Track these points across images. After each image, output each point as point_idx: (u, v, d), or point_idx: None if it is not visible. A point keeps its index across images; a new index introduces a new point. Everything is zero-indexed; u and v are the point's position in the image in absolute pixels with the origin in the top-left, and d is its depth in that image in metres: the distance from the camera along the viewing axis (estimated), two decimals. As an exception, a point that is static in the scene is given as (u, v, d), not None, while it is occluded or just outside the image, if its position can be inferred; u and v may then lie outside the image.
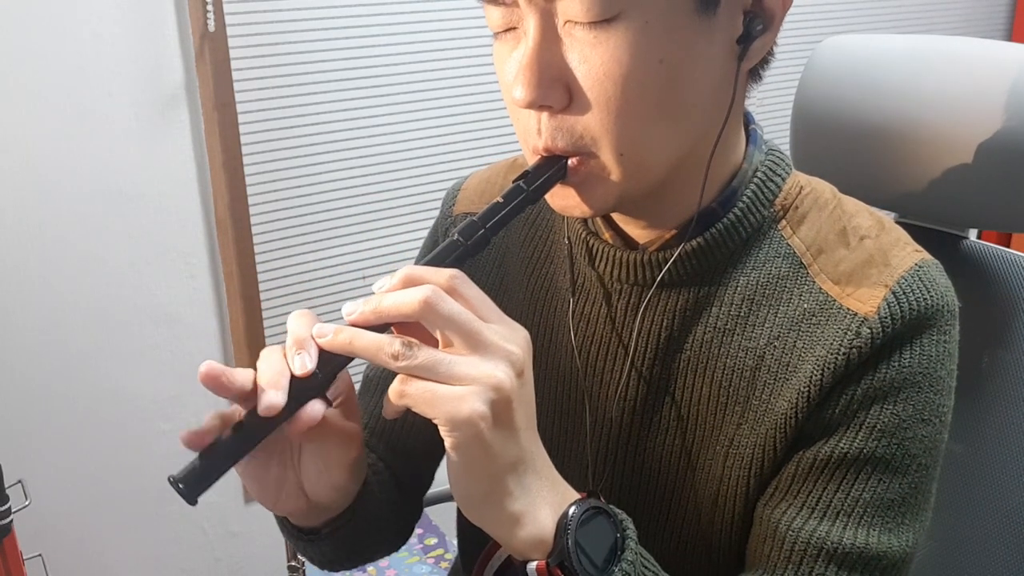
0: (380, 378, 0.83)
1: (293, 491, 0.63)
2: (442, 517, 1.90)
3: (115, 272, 1.65)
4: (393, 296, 0.54)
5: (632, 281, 0.70)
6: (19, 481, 1.34)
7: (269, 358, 0.56)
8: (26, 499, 1.31)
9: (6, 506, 1.24)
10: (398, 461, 0.80)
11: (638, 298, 0.71)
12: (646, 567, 0.59)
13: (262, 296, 1.78)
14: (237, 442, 0.54)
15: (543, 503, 0.57)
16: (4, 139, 1.51)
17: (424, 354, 0.52)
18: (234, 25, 1.62)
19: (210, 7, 1.58)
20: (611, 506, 0.59)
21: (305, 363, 0.54)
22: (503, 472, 0.55)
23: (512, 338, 0.55)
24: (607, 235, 0.72)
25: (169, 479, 0.52)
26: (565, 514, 0.57)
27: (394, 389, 0.53)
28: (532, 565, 0.56)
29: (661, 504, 0.71)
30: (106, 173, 1.60)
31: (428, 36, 1.80)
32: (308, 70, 1.71)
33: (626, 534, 0.58)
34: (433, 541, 1.89)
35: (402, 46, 1.79)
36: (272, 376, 0.54)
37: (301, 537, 0.71)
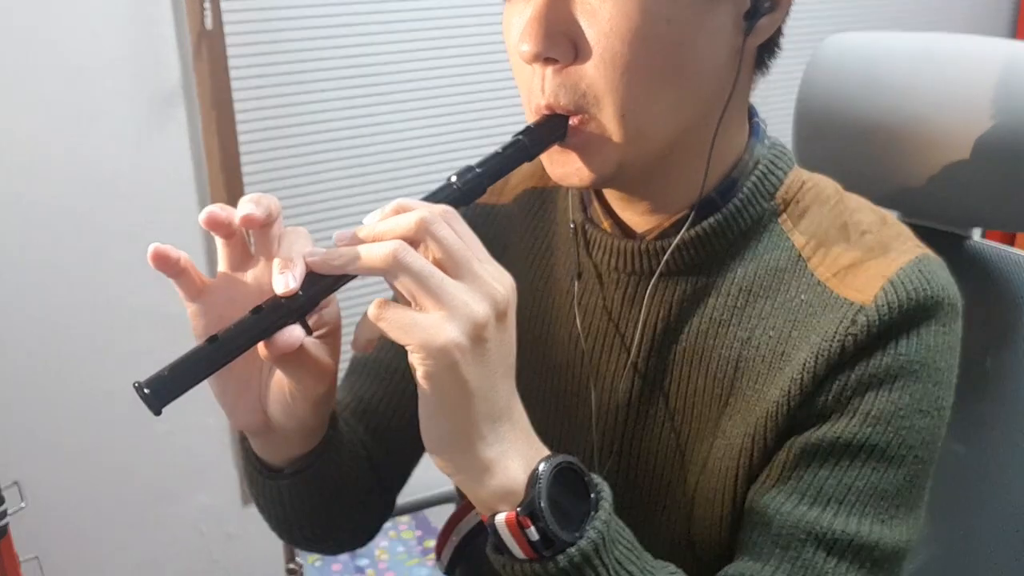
0: (368, 359, 0.82)
1: (252, 406, 0.61)
2: (442, 518, 1.89)
3: (114, 272, 1.65)
4: (387, 221, 0.53)
5: (629, 270, 0.70)
6: (15, 483, 1.33)
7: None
8: (22, 501, 1.30)
9: (2, 508, 1.23)
10: (377, 447, 0.79)
11: (635, 288, 0.70)
12: (620, 532, 0.57)
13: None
14: (209, 355, 0.52)
15: (516, 454, 0.55)
16: (1, 137, 1.50)
17: (420, 261, 0.51)
18: (231, 23, 1.62)
19: (207, 5, 1.57)
20: (585, 469, 0.58)
21: (288, 282, 0.52)
22: (477, 414, 0.53)
23: (499, 278, 0.54)
24: (606, 224, 0.72)
25: (134, 385, 0.50)
26: (537, 467, 0.55)
27: (371, 311, 0.52)
28: (500, 517, 0.55)
29: (656, 494, 0.71)
30: (103, 172, 1.60)
31: (427, 34, 1.80)
32: (305, 68, 1.71)
33: (600, 495, 0.57)
34: (433, 543, 1.88)
35: (401, 44, 1.79)
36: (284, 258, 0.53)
37: (263, 472, 0.69)
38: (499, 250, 0.80)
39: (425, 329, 0.50)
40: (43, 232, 1.58)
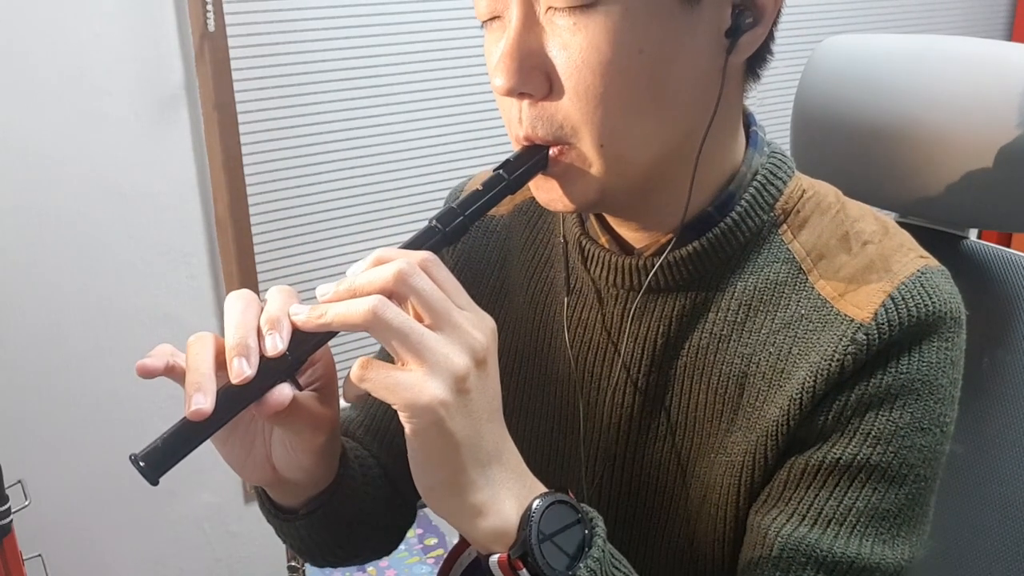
0: None
1: (260, 463, 0.62)
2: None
3: (115, 272, 1.65)
4: (366, 274, 0.53)
5: (627, 286, 0.69)
6: (19, 481, 1.34)
7: (237, 317, 0.54)
8: (26, 499, 1.31)
9: (6, 506, 1.23)
10: (391, 461, 0.79)
11: (633, 303, 0.69)
12: (615, 566, 0.57)
13: (262, 296, 1.78)
14: (201, 423, 0.52)
15: (508, 495, 0.55)
16: (4, 138, 1.51)
17: (400, 317, 0.51)
18: (234, 25, 1.62)
19: (210, 7, 1.58)
20: (581, 504, 0.58)
21: (276, 344, 0.53)
22: (466, 462, 0.53)
23: (478, 325, 0.54)
24: (603, 239, 0.71)
25: (131, 457, 0.50)
26: (529, 506, 0.55)
27: (354, 372, 0.52)
28: (494, 559, 0.55)
29: (656, 512, 0.70)
30: (106, 173, 1.60)
31: (428, 36, 1.81)
32: (308, 70, 1.71)
33: (594, 531, 0.56)
34: (433, 541, 1.89)
35: (402, 46, 1.79)
36: (240, 344, 0.53)
37: (277, 515, 0.70)
38: (498, 261, 0.80)
39: (408, 388, 0.50)
40: (46, 233, 1.58)
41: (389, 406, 0.80)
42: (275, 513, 0.70)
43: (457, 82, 1.86)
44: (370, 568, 1.80)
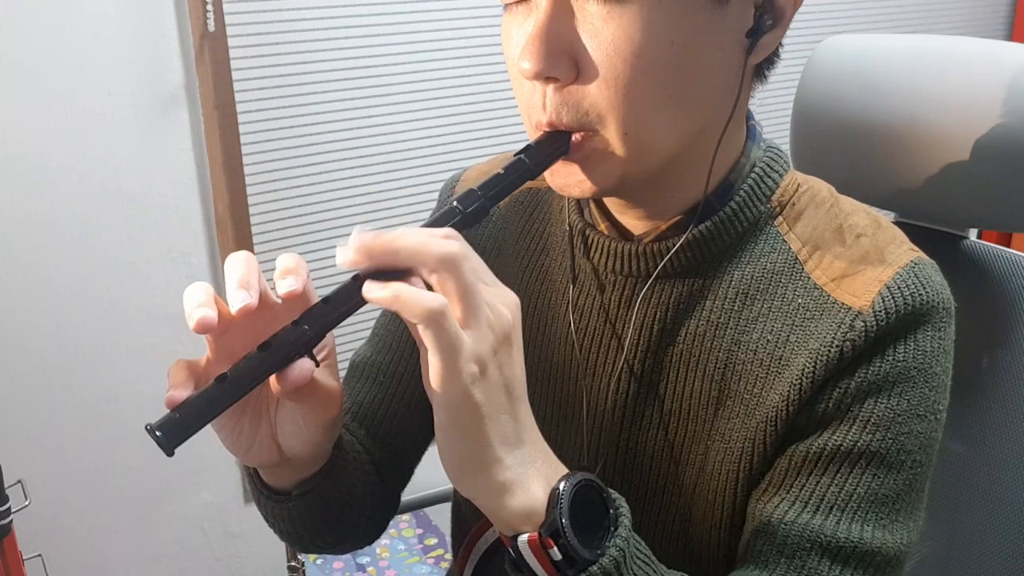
0: (367, 363, 0.83)
1: (266, 443, 0.62)
2: (442, 517, 1.90)
3: (115, 272, 1.65)
4: (414, 237, 0.52)
5: (626, 272, 0.70)
6: (19, 481, 1.34)
7: (241, 268, 0.55)
8: (26, 499, 1.31)
9: (6, 506, 1.24)
10: (378, 449, 0.80)
11: (632, 290, 0.71)
12: (638, 548, 0.58)
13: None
14: (219, 394, 0.52)
15: (536, 474, 0.56)
16: (4, 139, 1.51)
17: (450, 331, 0.51)
18: (234, 25, 1.62)
19: (210, 7, 1.58)
20: (603, 485, 0.59)
21: (291, 284, 0.53)
22: (492, 437, 0.54)
23: (504, 300, 0.55)
24: (603, 226, 0.72)
25: (147, 427, 0.50)
26: (557, 487, 0.56)
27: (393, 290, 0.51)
28: (523, 538, 0.55)
29: (652, 498, 0.71)
30: (106, 173, 1.60)
31: (428, 36, 1.81)
32: (308, 70, 1.71)
33: (619, 511, 0.58)
34: (433, 541, 1.89)
35: (402, 46, 1.79)
36: (244, 280, 0.53)
37: (271, 497, 0.70)
38: (494, 252, 0.81)
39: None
40: (46, 233, 1.58)
41: (377, 394, 0.82)
42: (267, 495, 0.70)
43: (457, 82, 1.86)
44: (370, 568, 1.80)
